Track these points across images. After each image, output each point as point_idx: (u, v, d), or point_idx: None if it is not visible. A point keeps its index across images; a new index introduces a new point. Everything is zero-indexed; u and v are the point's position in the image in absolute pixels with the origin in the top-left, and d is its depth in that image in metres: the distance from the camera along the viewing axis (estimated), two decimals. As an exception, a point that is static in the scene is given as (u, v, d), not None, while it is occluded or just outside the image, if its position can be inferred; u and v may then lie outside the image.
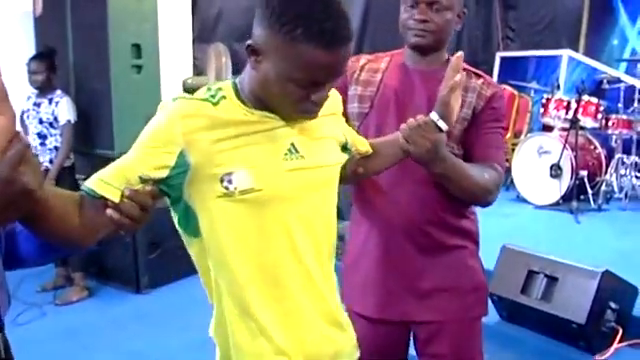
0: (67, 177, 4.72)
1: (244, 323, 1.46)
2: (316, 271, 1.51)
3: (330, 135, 1.59)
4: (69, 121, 4.73)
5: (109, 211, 1.24)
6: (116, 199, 1.26)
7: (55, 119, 4.72)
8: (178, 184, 1.39)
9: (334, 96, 1.61)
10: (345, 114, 1.95)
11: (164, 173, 1.36)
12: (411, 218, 1.96)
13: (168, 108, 1.40)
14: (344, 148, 1.67)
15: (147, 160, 1.36)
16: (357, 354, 1.67)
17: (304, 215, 1.48)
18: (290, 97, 1.36)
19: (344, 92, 2.02)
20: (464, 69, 2.00)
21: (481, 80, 2.00)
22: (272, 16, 1.31)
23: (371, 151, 1.78)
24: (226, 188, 1.38)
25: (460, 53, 1.71)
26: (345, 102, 1.98)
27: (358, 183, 2.01)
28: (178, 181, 1.38)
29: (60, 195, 1.33)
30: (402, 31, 1.97)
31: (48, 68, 4.72)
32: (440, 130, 1.70)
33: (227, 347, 1.50)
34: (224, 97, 1.43)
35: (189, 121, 1.37)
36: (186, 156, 1.36)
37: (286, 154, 1.45)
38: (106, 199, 1.29)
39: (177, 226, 1.50)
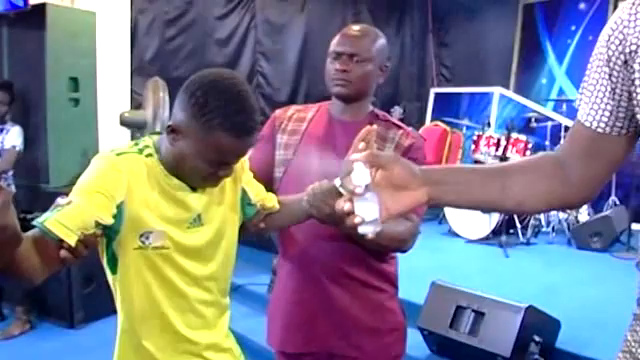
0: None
1: (137, 353, 1.68)
2: (203, 311, 1.73)
3: (232, 197, 1.78)
4: (14, 146, 4.69)
5: (64, 252, 1.38)
6: (72, 242, 1.38)
7: (3, 148, 4.69)
8: (115, 231, 1.54)
9: None
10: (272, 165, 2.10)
11: (111, 219, 1.49)
12: (333, 259, 2.03)
13: (113, 160, 1.54)
14: (247, 204, 1.82)
15: (99, 205, 1.47)
16: None
17: (199, 269, 1.69)
18: (200, 172, 1.58)
19: (271, 141, 2.12)
20: (386, 120, 2.11)
21: (401, 131, 2.08)
22: (195, 106, 1.50)
23: (277, 207, 1.89)
24: (142, 242, 1.58)
25: (373, 127, 1.83)
26: (273, 150, 2.12)
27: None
28: (115, 228, 1.53)
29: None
30: (327, 81, 2.09)
31: (10, 100, 4.72)
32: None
33: None
34: (150, 155, 1.61)
35: (131, 177, 1.54)
36: (123, 208, 1.52)
37: (191, 222, 1.66)
38: (61, 240, 1.38)
39: (102, 260, 1.65)
